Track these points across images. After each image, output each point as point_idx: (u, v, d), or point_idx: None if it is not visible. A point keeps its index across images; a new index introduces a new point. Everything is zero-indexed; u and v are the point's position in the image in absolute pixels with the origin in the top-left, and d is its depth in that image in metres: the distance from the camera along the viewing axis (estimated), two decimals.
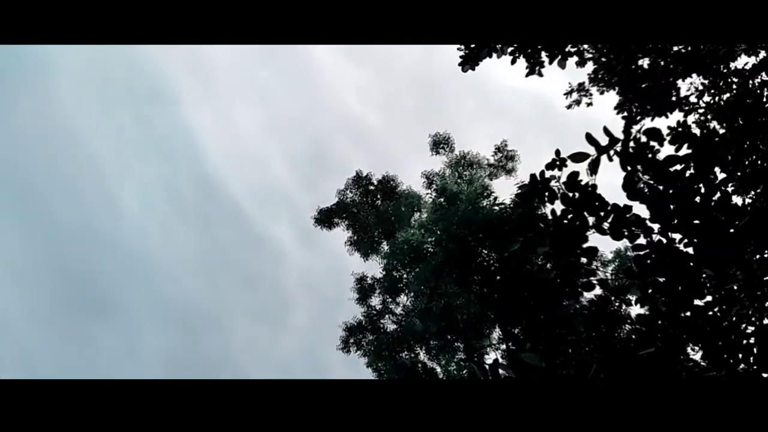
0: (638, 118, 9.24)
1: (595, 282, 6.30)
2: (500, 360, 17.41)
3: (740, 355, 5.64)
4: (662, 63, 8.78)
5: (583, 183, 5.45)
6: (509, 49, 7.76)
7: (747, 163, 7.94)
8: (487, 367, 4.94)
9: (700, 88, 10.26)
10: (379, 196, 25.76)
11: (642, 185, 5.27)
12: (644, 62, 9.96)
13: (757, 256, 6.11)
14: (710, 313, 5.81)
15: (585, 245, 5.77)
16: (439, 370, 18.81)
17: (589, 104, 13.57)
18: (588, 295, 13.81)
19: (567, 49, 7.31)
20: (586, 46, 12.51)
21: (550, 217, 5.67)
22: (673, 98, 8.70)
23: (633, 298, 5.91)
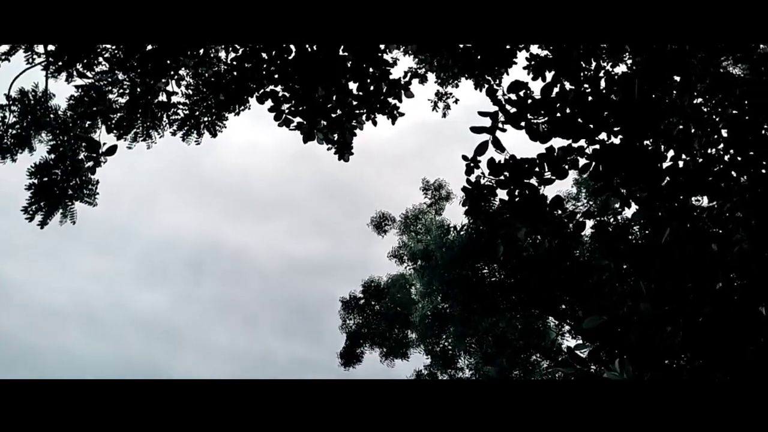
0: (495, 82, 9.81)
1: (581, 219, 6.45)
2: (572, 343, 17.11)
3: (733, 173, 5.82)
4: None
5: (502, 162, 5.68)
6: (363, 117, 8.18)
7: (603, 43, 8.43)
8: (568, 359, 4.88)
9: None
10: (372, 303, 25.59)
11: (544, 126, 5.54)
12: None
13: (674, 92, 6.43)
14: (680, 164, 6.00)
15: (547, 202, 5.96)
16: None
17: (456, 101, 14.41)
18: (587, 231, 14.00)
19: (403, 82, 7.78)
20: (413, 65, 13.34)
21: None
22: (507, 46, 9.35)
23: (617, 205, 6.05)
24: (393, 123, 8.56)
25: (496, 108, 5.09)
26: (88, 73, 7.36)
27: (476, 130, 5.07)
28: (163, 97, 7.77)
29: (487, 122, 5.14)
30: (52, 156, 8.05)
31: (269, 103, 7.08)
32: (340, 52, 7.27)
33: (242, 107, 7.98)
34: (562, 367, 4.58)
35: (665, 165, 5.91)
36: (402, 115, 8.49)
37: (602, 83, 6.02)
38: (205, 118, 9.19)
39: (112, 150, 5.53)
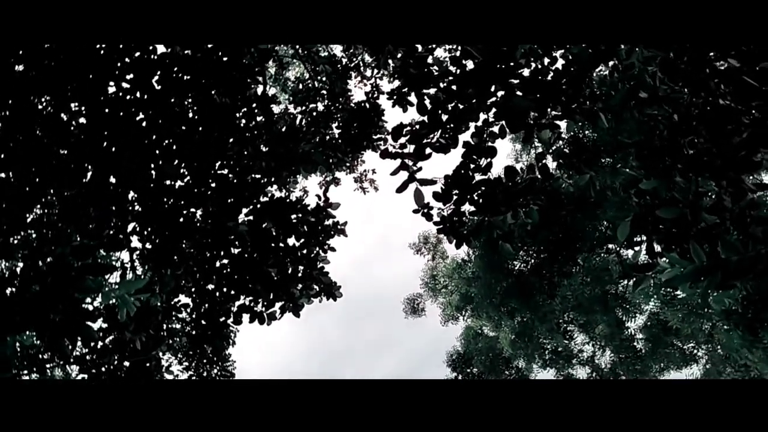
0: (384, 136, 10.21)
1: (540, 164, 6.55)
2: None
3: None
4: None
5: (445, 187, 5.80)
6: (321, 253, 8.28)
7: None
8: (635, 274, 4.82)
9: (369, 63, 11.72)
10: (468, 370, 24.93)
11: (444, 136, 5.71)
12: (335, 128, 11.15)
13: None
14: (561, 62, 6.23)
15: (503, 179, 6.07)
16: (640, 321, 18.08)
17: (374, 171, 14.92)
18: (553, 165, 14.26)
19: (322, 203, 7.97)
20: (320, 179, 13.76)
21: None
22: (368, 98, 9.80)
23: (550, 134, 6.18)
24: (345, 235, 8.66)
25: (399, 160, 5.24)
26: None
27: (400, 189, 5.20)
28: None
29: (404, 175, 5.28)
30: None
31: (246, 316, 7.12)
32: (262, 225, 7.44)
33: (229, 338, 8.01)
34: (638, 285, 4.50)
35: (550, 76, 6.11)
36: (345, 223, 8.60)
37: (451, 68, 6.28)
38: (215, 371, 9.16)
39: None
